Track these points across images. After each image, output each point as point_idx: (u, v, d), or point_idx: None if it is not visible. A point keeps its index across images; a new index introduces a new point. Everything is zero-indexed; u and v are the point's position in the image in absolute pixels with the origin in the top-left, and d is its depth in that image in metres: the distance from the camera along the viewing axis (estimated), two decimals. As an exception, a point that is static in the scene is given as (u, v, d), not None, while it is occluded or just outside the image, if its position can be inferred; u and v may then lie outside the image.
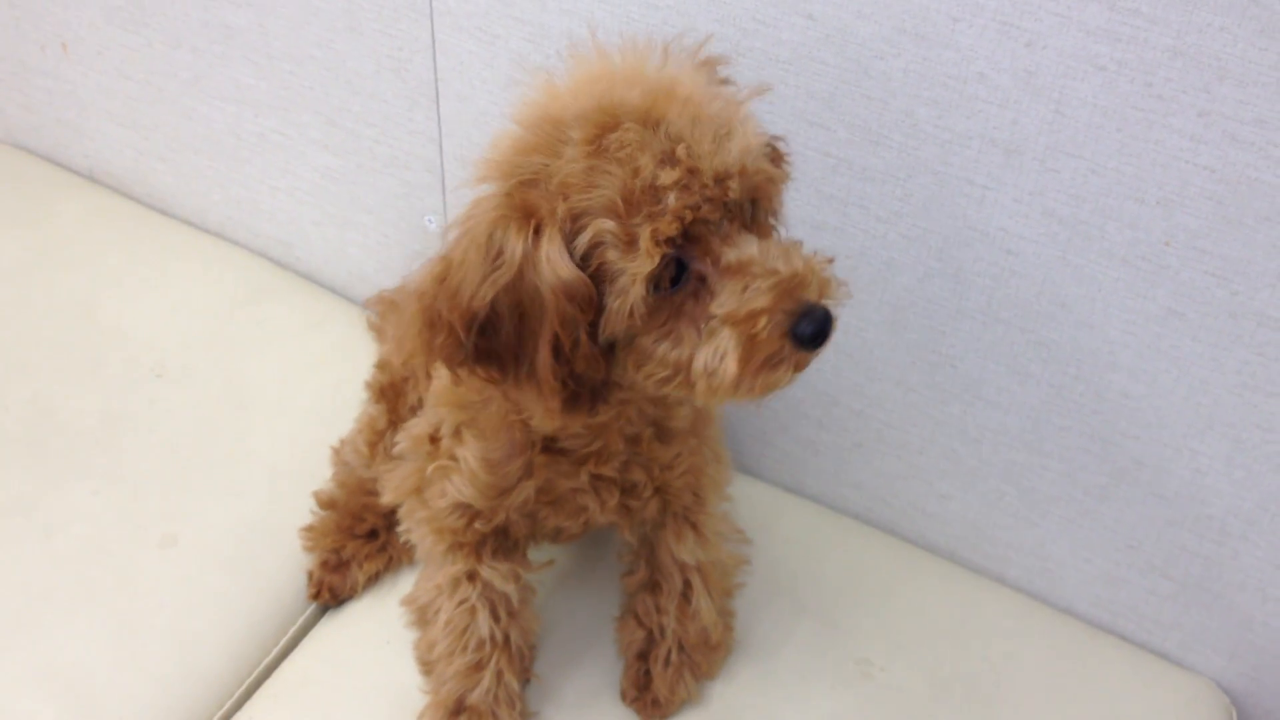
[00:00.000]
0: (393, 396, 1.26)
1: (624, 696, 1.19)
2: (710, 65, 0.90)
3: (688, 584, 1.16)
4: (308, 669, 1.25)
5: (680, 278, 0.84)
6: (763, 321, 0.82)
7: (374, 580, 1.30)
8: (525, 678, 1.17)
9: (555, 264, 0.81)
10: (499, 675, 1.12)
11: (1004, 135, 1.05)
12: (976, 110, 1.05)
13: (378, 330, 1.45)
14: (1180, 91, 0.96)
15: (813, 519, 1.38)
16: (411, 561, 1.30)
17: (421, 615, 1.14)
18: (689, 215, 0.80)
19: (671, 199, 0.79)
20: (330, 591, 1.28)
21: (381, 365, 1.28)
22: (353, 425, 1.32)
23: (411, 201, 1.44)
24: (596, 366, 0.86)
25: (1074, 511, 1.25)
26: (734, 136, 0.82)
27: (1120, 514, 1.22)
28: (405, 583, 1.27)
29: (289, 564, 1.30)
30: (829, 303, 0.84)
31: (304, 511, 1.32)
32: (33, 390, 1.43)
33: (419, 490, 1.08)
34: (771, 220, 0.90)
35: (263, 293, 1.58)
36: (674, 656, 1.17)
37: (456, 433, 1.03)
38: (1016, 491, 1.27)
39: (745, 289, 0.83)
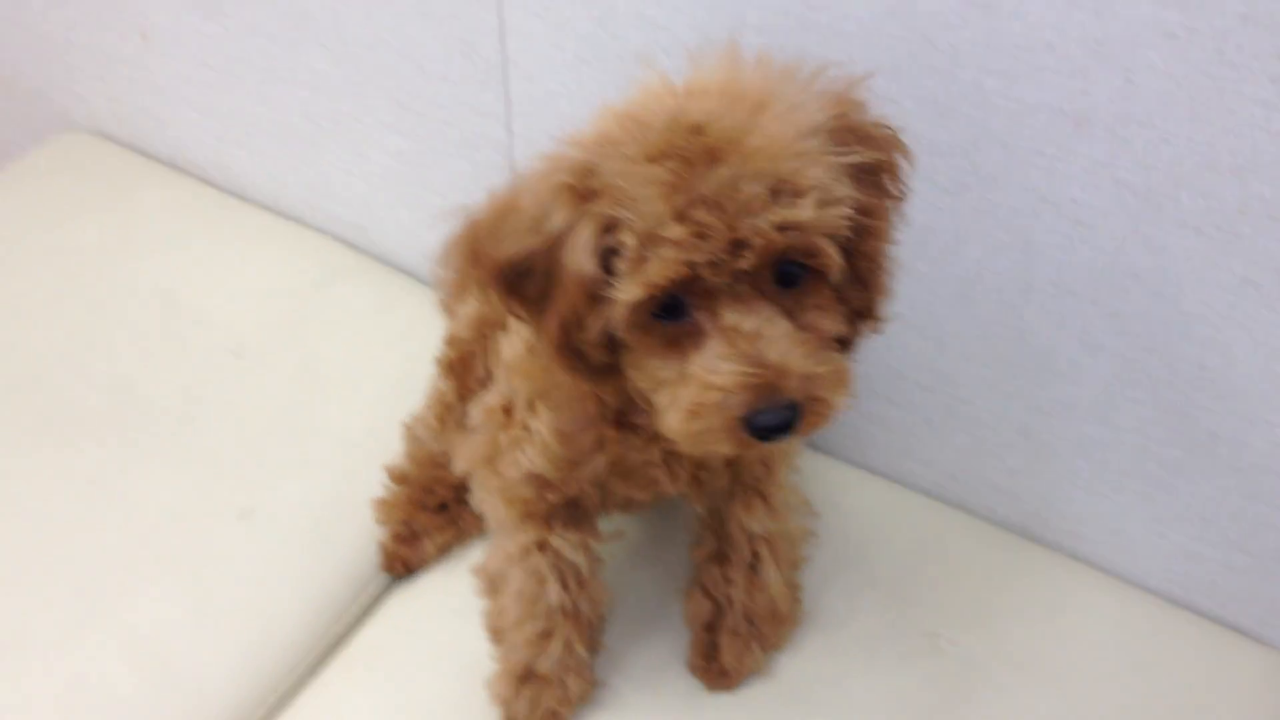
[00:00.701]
0: (461, 371, 1.27)
1: (691, 667, 1.21)
2: (845, 113, 0.88)
3: (756, 555, 1.17)
4: (380, 638, 1.29)
5: (682, 314, 0.86)
6: (715, 397, 0.83)
7: (444, 552, 1.32)
8: (594, 647, 1.18)
9: (579, 252, 0.84)
10: (568, 644, 1.14)
11: (1073, 105, 1.04)
12: (1045, 80, 1.04)
13: (447, 308, 1.47)
14: (1252, 58, 0.94)
15: (880, 494, 1.38)
16: (481, 533, 1.32)
17: (492, 584, 1.16)
18: (683, 272, 0.82)
19: (669, 251, 0.81)
20: (402, 563, 1.30)
21: (451, 341, 1.30)
22: (423, 401, 1.34)
23: (480, 183, 1.43)
24: (597, 351, 0.89)
25: (1148, 485, 1.23)
26: (786, 202, 0.81)
27: (1196, 488, 1.21)
28: (475, 554, 1.29)
29: (361, 536, 1.33)
30: (812, 401, 0.84)
31: (376, 485, 1.34)
32: (116, 370, 1.48)
33: (491, 460, 1.10)
34: (825, 279, 0.88)
35: (337, 274, 1.61)
36: (741, 628, 1.18)
37: (530, 404, 1.05)
38: (1089, 465, 1.26)
39: (720, 359, 0.84)
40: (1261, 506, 1.18)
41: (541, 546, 1.11)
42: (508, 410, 1.08)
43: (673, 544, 1.29)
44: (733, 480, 1.13)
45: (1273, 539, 1.20)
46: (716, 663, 1.19)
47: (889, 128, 0.91)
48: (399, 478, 1.33)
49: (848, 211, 0.85)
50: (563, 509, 1.11)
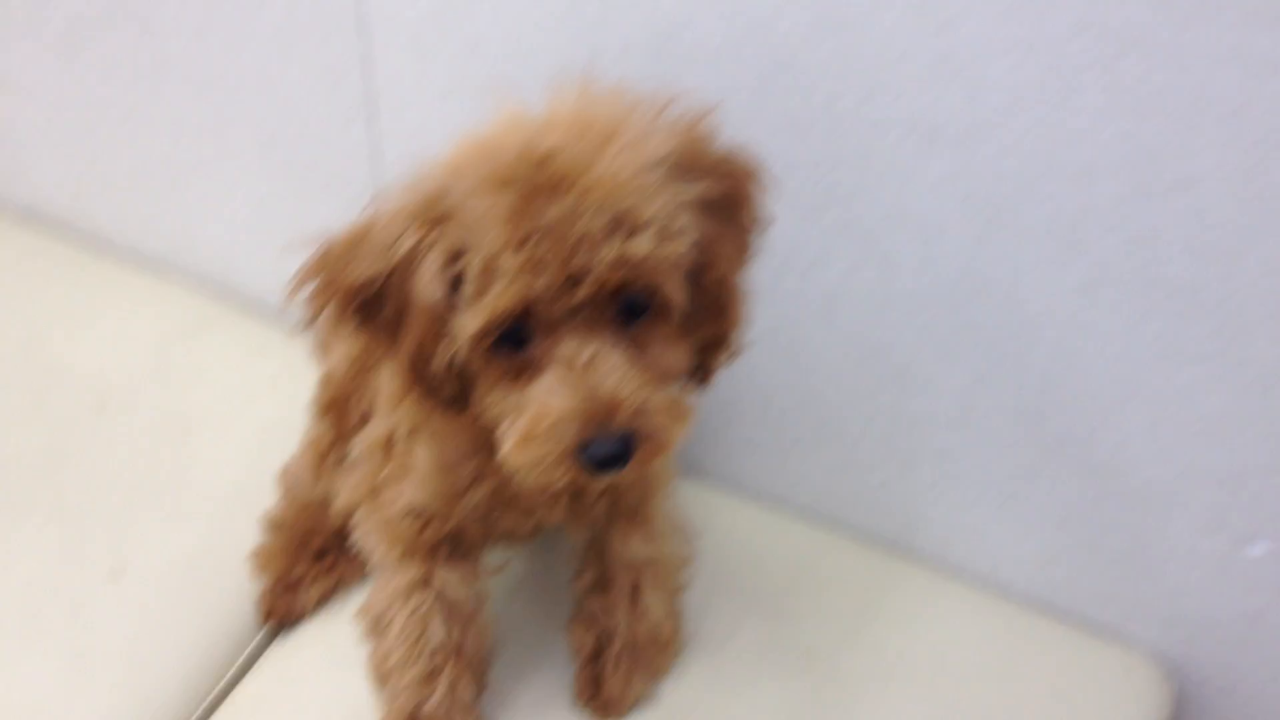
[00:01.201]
0: (338, 411, 1.27)
1: (577, 700, 1.21)
2: (693, 143, 0.90)
3: (636, 583, 1.18)
4: (262, 692, 1.26)
5: (524, 344, 0.88)
6: (548, 427, 0.85)
7: (325, 600, 1.30)
8: (480, 686, 1.18)
9: (427, 278, 0.86)
10: (453, 684, 1.13)
11: (923, 120, 1.10)
12: (896, 96, 1.09)
13: (321, 348, 1.46)
14: (1087, 66, 1.00)
15: (755, 516, 1.40)
16: (363, 580, 1.30)
17: (375, 625, 1.15)
18: (521, 303, 0.84)
19: (506, 281, 0.83)
20: (282, 613, 1.28)
21: (326, 380, 1.29)
22: (297, 447, 1.33)
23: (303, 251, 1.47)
24: (449, 380, 0.91)
25: (1006, 491, 1.28)
26: (625, 235, 0.83)
27: (1050, 491, 1.26)
28: (356, 601, 1.27)
29: (239, 589, 1.30)
30: (645, 433, 0.86)
31: (252, 536, 1.32)
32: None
33: (373, 495, 1.10)
34: (668, 314, 0.90)
35: (204, 323, 1.59)
36: (625, 656, 1.19)
37: (411, 435, 1.05)
38: (951, 475, 1.31)
39: (554, 389, 0.85)
40: (1112, 506, 1.24)
41: (425, 583, 1.11)
42: (388, 444, 1.08)
43: (556, 576, 1.29)
44: (610, 508, 1.14)
45: (1124, 538, 1.25)
46: (602, 693, 1.19)
47: (740, 158, 0.94)
48: (276, 526, 1.31)
49: (689, 245, 0.87)
50: (446, 543, 1.11)
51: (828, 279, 1.22)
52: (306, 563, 1.29)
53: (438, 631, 1.11)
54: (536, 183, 0.83)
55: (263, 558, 1.30)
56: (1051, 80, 1.03)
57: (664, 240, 0.85)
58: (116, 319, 1.59)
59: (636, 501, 1.14)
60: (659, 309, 0.89)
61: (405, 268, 0.88)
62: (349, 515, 1.22)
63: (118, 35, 1.48)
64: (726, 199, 0.91)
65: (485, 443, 1.01)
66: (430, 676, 1.12)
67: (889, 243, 1.18)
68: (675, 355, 0.91)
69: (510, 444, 0.89)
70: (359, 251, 0.89)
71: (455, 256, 0.86)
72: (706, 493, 1.42)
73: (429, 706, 1.12)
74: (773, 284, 1.19)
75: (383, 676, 1.16)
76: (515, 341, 0.88)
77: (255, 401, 1.50)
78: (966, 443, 1.27)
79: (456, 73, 1.27)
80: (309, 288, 0.93)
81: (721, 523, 1.38)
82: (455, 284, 0.87)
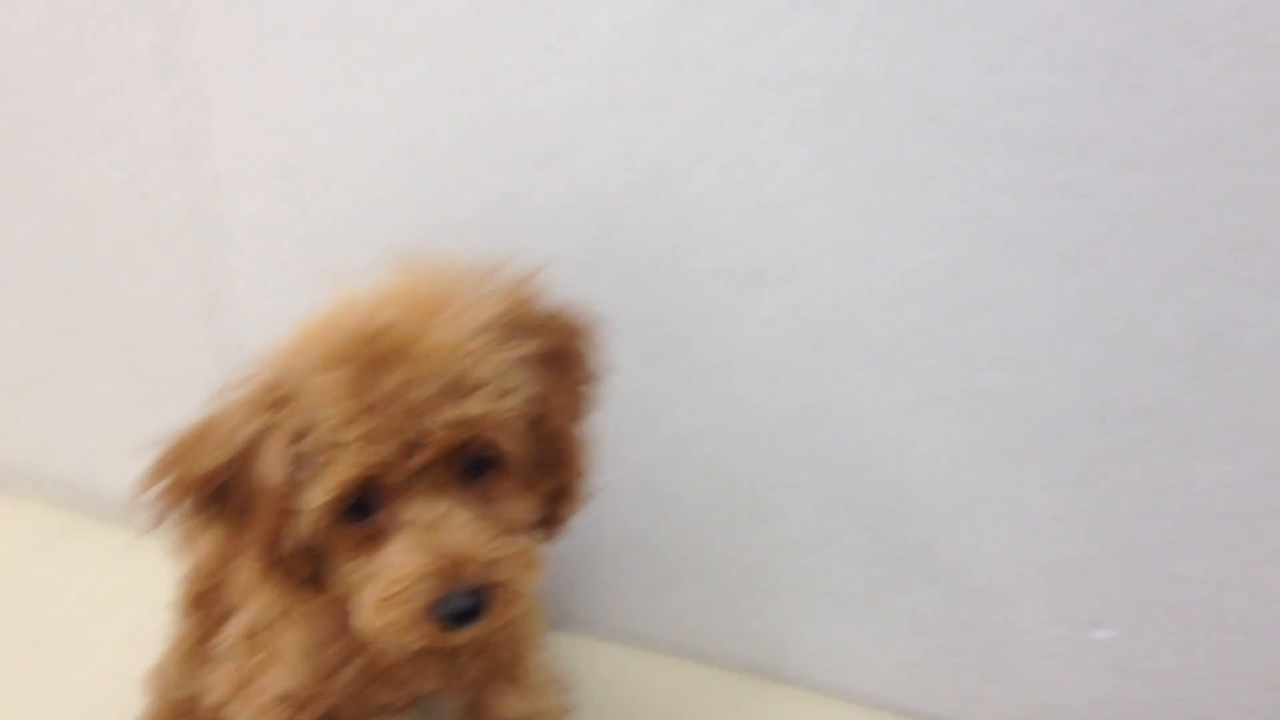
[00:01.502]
0: (204, 606, 1.26)
1: None
2: (521, 304, 0.94)
3: None
4: None
5: (371, 513, 0.91)
6: (399, 590, 0.88)
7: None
8: None
9: (270, 464, 0.90)
10: None
11: (745, 265, 1.17)
12: (718, 246, 1.17)
13: (184, 543, 1.46)
14: (889, 204, 1.10)
15: (630, 658, 1.43)
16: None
17: None
18: (365, 471, 0.87)
19: (346, 454, 0.87)
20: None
21: (189, 577, 1.29)
22: (161, 650, 1.32)
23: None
24: (302, 558, 0.94)
25: (865, 606, 1.34)
26: (460, 398, 0.87)
27: (904, 600, 1.32)
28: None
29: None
30: (496, 586, 0.89)
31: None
32: None
33: (244, 686, 1.10)
34: (509, 469, 0.93)
35: (62, 533, 1.58)
36: None
37: (277, 622, 1.06)
38: (813, 596, 1.36)
39: (402, 553, 0.88)
40: (962, 609, 1.30)
41: None
42: (254, 633, 1.09)
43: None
44: (484, 668, 1.15)
45: (977, 637, 1.32)
46: None
47: (567, 314, 0.99)
48: (142, 731, 1.29)
49: (524, 400, 0.92)
50: None
51: (676, 421, 1.28)
52: None
53: None
54: (371, 357, 0.88)
55: (131, 766, 1.28)
56: (858, 219, 1.12)
57: (498, 399, 0.89)
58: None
59: (510, 659, 1.16)
60: (501, 464, 0.93)
61: (248, 454, 0.91)
62: (219, 710, 1.21)
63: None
64: (557, 354, 0.96)
65: (349, 621, 1.03)
66: None
67: (730, 382, 1.24)
68: (521, 507, 0.94)
69: (366, 611, 0.91)
70: (204, 443, 0.92)
71: (298, 437, 0.89)
72: (580, 641, 1.45)
73: None
74: (623, 430, 1.24)
75: None
76: (363, 511, 0.90)
77: (118, 607, 1.48)
78: (823, 564, 1.33)
79: (299, 261, 1.31)
80: (159, 485, 0.94)
81: (598, 669, 1.40)
82: (299, 464, 0.89)
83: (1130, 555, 1.21)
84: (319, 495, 0.88)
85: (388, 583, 0.89)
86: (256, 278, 1.35)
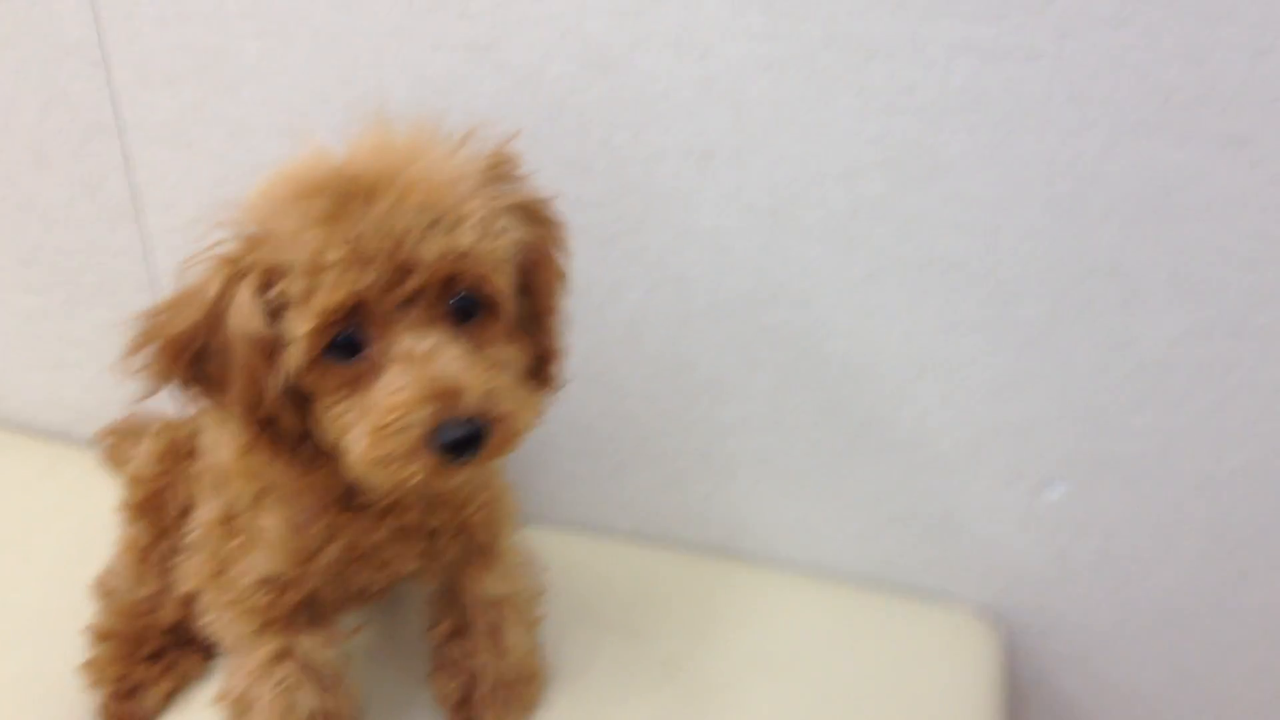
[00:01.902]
0: (153, 509, 1.25)
1: (451, 750, 1.21)
2: (499, 164, 0.93)
3: (496, 621, 1.19)
4: (120, 808, 1.22)
5: (358, 350, 0.88)
6: (397, 418, 0.84)
7: (170, 700, 1.26)
8: (353, 755, 1.17)
9: (243, 312, 0.87)
10: None
11: (695, 144, 1.16)
12: (667, 125, 1.16)
13: (114, 460, 1.45)
14: (838, 75, 1.09)
15: (588, 546, 1.44)
16: (204, 674, 1.28)
17: (237, 709, 1.12)
18: (350, 297, 0.85)
19: (331, 275, 0.84)
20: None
21: (135, 481, 1.27)
22: (112, 553, 1.30)
23: (126, 327, 1.44)
24: (286, 415, 0.92)
25: (824, 480, 1.36)
26: (446, 230, 0.85)
27: (862, 472, 1.34)
28: (203, 697, 1.26)
29: (73, 708, 1.26)
30: (496, 417, 0.86)
31: (74, 654, 1.27)
32: None
33: (219, 573, 1.08)
34: (498, 313, 0.92)
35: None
36: (495, 696, 1.20)
37: (255, 504, 1.05)
38: (770, 474, 1.37)
39: (398, 381, 0.85)
40: (919, 475, 1.33)
41: (286, 655, 1.09)
42: (228, 519, 1.07)
43: (409, 632, 1.30)
44: (461, 550, 1.15)
45: (934, 502, 1.34)
46: (479, 736, 1.20)
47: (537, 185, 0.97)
48: (102, 636, 1.27)
49: (510, 244, 0.91)
50: (302, 610, 1.10)
51: (628, 305, 1.27)
52: (144, 667, 1.25)
53: (306, 701, 1.10)
54: (350, 190, 0.85)
55: (94, 670, 1.26)
56: (807, 92, 1.11)
57: (486, 235, 0.88)
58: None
59: (486, 540, 1.16)
60: (490, 308, 0.91)
61: (220, 309, 0.88)
62: (190, 603, 1.20)
63: None
64: (538, 212, 0.95)
65: (332, 496, 1.02)
66: None
67: (681, 263, 1.24)
68: (512, 353, 0.92)
69: (359, 445, 0.87)
70: (177, 307, 0.91)
71: (272, 280, 0.86)
72: (538, 533, 1.44)
73: None
74: (576, 316, 1.23)
75: None
76: (350, 350, 0.88)
77: (51, 521, 1.45)
78: (780, 442, 1.34)
79: (222, 161, 1.27)
80: (142, 356, 0.92)
81: (558, 558, 1.40)
82: (277, 309, 0.87)
83: (1081, 414, 1.24)
84: (305, 324, 0.85)
85: (383, 411, 0.85)
86: (184, 177, 1.31)
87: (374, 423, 0.86)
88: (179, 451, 1.26)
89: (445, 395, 0.85)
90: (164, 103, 1.25)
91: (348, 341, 0.88)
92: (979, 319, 1.20)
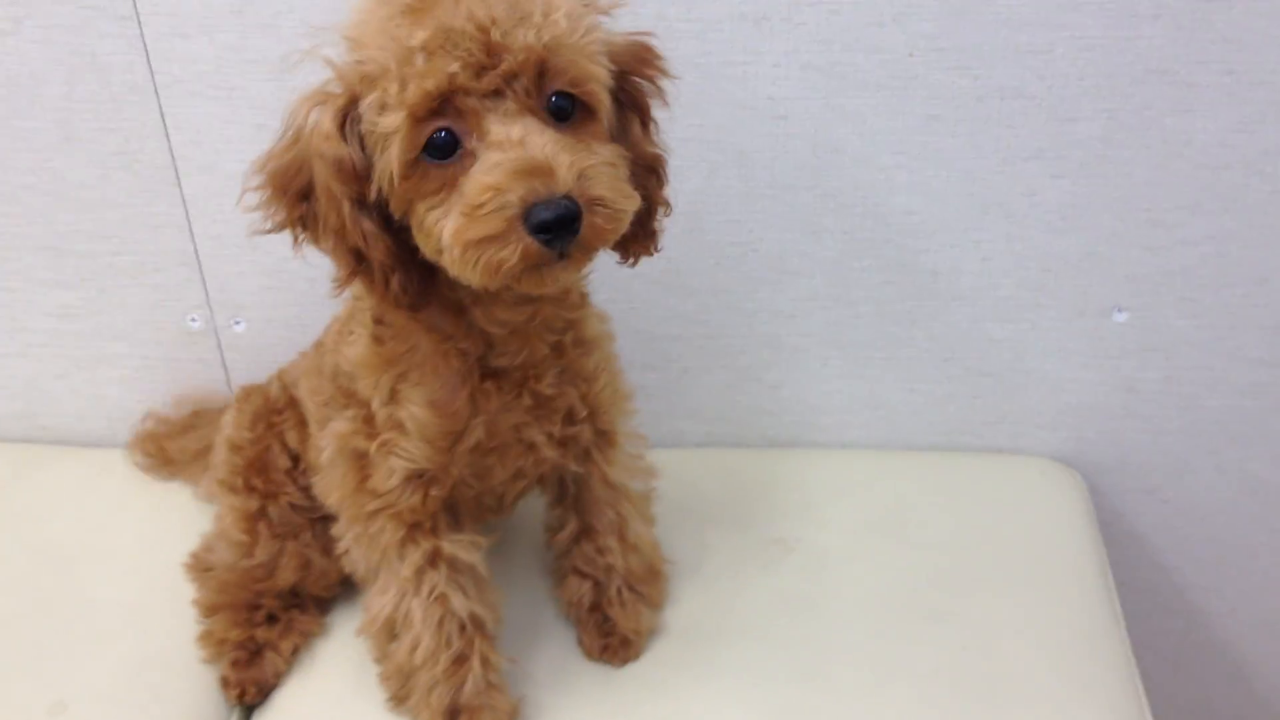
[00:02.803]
0: (257, 473, 1.22)
1: (590, 652, 1.18)
2: None
3: (621, 516, 1.18)
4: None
5: (454, 150, 0.86)
6: (485, 197, 0.82)
7: (292, 660, 1.22)
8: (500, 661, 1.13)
9: (320, 131, 0.87)
10: (484, 661, 1.09)
11: (749, 7, 1.17)
12: (720, -6, 1.17)
13: (155, 458, 1.43)
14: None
15: (664, 459, 1.40)
16: (319, 630, 1.24)
17: (388, 629, 1.09)
18: (443, 79, 0.83)
19: (420, 60, 0.83)
20: (253, 687, 1.19)
21: (233, 448, 1.23)
22: (211, 530, 1.26)
23: (169, 309, 1.39)
24: (375, 243, 0.90)
25: (891, 347, 1.37)
26: (536, 19, 0.83)
27: (930, 330, 1.36)
28: (325, 653, 1.22)
29: (196, 682, 1.20)
30: (591, 200, 0.84)
31: (182, 631, 1.23)
32: None
33: (362, 484, 1.05)
34: (596, 115, 0.89)
35: (15, 476, 1.46)
36: (626, 594, 1.18)
37: (392, 395, 1.02)
38: (838, 351, 1.38)
39: (487, 167, 0.83)
40: (987, 324, 1.35)
41: (434, 559, 1.07)
42: (365, 423, 1.04)
43: (518, 553, 1.29)
44: (592, 433, 1.13)
45: (1003, 351, 1.37)
46: (614, 636, 1.17)
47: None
48: (213, 608, 1.22)
49: (604, 46, 0.89)
50: (446, 512, 1.08)
51: (689, 191, 1.27)
52: (262, 629, 1.21)
53: (460, 605, 1.07)
54: None
55: (211, 641, 1.21)
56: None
57: (575, 29, 0.86)
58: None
59: (608, 424, 1.14)
60: (586, 109, 0.89)
61: (309, 139, 0.88)
62: (307, 565, 1.21)
63: None
64: (635, 48, 0.94)
65: (469, 364, 1.01)
66: (459, 661, 1.08)
67: (741, 137, 1.24)
68: (610, 152, 0.89)
69: (452, 230, 0.84)
70: (279, 149, 0.90)
71: (361, 95, 0.85)
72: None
73: (466, 694, 1.08)
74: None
75: (406, 681, 1.09)
76: (446, 150, 0.85)
77: (113, 521, 1.39)
78: (845, 315, 1.35)
79: (267, 105, 1.25)
80: (257, 196, 0.91)
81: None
82: (369, 135, 0.86)
83: (1139, 232, 1.28)
84: (399, 118, 0.83)
85: (475, 192, 0.83)
86: (225, 129, 1.27)
87: (465, 206, 0.84)
88: (270, 409, 1.23)
89: (537, 172, 0.82)
90: (200, 51, 1.22)
91: (444, 141, 0.85)
92: (1038, 146, 1.23)
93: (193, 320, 1.40)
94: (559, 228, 0.82)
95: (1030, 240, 1.29)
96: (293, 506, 1.21)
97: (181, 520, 1.36)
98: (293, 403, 1.22)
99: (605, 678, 1.17)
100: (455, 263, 0.86)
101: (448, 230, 0.85)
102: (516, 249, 0.83)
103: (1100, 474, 1.45)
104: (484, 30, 0.82)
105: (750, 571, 1.27)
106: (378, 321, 1.02)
